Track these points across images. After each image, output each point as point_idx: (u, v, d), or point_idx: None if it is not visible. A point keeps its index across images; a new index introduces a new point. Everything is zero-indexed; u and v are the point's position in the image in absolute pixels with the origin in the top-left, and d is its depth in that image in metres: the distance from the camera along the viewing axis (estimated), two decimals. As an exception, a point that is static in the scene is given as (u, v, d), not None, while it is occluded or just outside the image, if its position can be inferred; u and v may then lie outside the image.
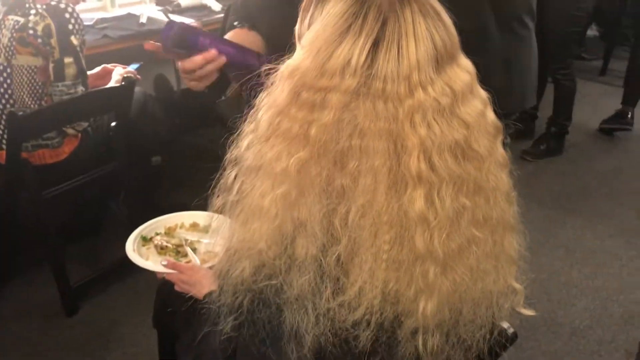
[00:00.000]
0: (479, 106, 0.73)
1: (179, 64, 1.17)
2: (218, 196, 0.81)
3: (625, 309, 2.30)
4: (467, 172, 0.71)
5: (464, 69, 0.72)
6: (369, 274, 0.71)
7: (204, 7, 3.18)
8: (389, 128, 0.69)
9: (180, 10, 3.14)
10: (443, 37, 0.71)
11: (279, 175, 0.72)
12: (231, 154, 0.79)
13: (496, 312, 0.80)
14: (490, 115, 0.74)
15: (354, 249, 0.72)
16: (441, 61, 0.70)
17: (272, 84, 0.76)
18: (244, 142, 0.77)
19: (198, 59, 1.13)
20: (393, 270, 0.71)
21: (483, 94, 0.74)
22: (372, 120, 0.69)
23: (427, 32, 0.70)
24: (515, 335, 1.02)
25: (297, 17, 1.25)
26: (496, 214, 0.75)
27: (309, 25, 0.76)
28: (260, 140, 0.74)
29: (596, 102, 4.16)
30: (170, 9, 3.15)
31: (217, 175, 0.81)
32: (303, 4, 0.80)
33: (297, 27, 0.81)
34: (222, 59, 1.15)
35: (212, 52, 1.13)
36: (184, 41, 1.13)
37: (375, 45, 0.69)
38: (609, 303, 2.33)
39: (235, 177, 0.77)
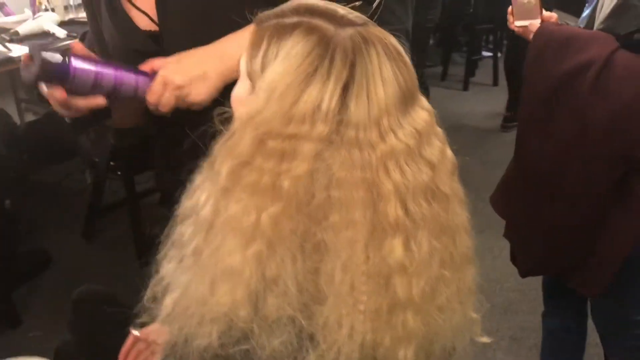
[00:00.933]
0: (439, 145, 0.72)
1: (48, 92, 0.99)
2: (166, 255, 0.73)
3: (504, 298, 2.46)
4: (437, 214, 0.70)
5: (424, 108, 0.71)
6: (348, 328, 0.67)
7: (46, 34, 2.93)
8: (365, 177, 0.66)
9: (20, 39, 2.86)
10: (406, 77, 0.69)
11: (249, 233, 0.66)
12: (184, 207, 0.72)
13: (458, 344, 0.79)
14: (449, 152, 0.74)
15: (335, 304, 0.67)
16: (406, 103, 0.69)
17: (228, 131, 0.70)
18: (201, 195, 0.69)
19: (80, 101, 0.98)
20: (371, 320, 0.68)
21: (440, 131, 0.74)
22: (348, 169, 0.66)
23: (393, 74, 0.67)
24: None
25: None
26: (460, 251, 0.75)
27: (263, 63, 0.70)
28: (222, 194, 0.68)
29: (442, 105, 4.44)
30: (7, 37, 2.86)
31: (165, 231, 0.73)
32: (251, 39, 0.74)
33: (244, 64, 0.74)
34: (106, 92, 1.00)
35: (99, 100, 0.99)
36: (53, 77, 0.96)
37: (345, 90, 0.66)
38: (488, 294, 2.44)
39: (191, 234, 0.70)
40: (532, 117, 1.43)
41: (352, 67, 0.66)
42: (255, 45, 0.72)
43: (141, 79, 1.03)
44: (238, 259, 0.66)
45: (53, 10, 3.23)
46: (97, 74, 0.97)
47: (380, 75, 0.66)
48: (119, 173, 2.61)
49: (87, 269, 2.66)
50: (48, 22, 2.97)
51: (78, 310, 1.26)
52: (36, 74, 0.94)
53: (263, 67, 0.70)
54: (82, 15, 3.39)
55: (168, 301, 0.72)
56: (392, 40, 0.70)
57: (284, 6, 0.73)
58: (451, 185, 0.73)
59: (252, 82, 0.73)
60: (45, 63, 0.93)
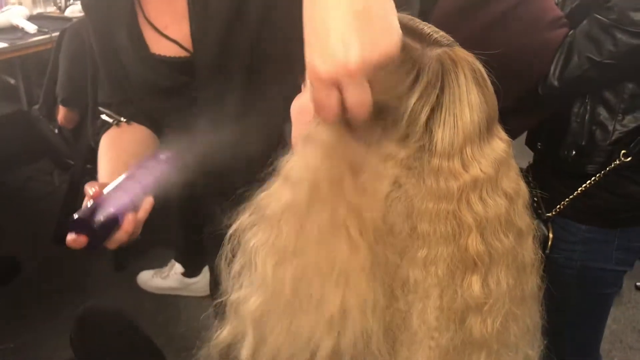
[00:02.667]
0: (515, 177, 0.68)
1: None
2: (240, 287, 0.67)
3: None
4: (513, 249, 0.67)
5: (501, 138, 0.67)
6: None
7: (15, 29, 2.79)
8: (448, 208, 0.62)
9: (-13, 33, 2.73)
10: (490, 104, 0.65)
11: (349, 272, 0.61)
12: (260, 239, 0.66)
13: None
14: (523, 185, 0.70)
15: (413, 341, 0.64)
16: (488, 131, 0.64)
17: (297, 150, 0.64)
18: (282, 228, 0.64)
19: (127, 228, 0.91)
20: (441, 357, 0.65)
21: (514, 162, 0.69)
22: (433, 200, 0.61)
23: (479, 101, 0.63)
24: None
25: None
26: (530, 288, 0.72)
27: None
28: (304, 228, 0.62)
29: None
30: (-27, 31, 2.72)
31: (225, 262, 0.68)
32: None
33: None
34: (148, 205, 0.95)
35: (128, 224, 0.91)
36: (109, 230, 0.89)
37: (431, 114, 0.61)
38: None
39: (270, 270, 0.64)
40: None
41: (441, 90, 0.61)
42: None
43: (159, 166, 0.98)
44: (338, 299, 0.61)
45: (20, 3, 3.09)
46: (131, 197, 0.92)
47: (467, 100, 0.62)
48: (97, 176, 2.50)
49: (59, 276, 2.55)
50: (17, 16, 2.83)
51: (82, 328, 1.17)
52: (93, 243, 0.87)
53: None
54: (51, 9, 3.26)
55: (250, 340, 0.66)
56: (478, 64, 0.65)
57: None
58: (525, 220, 0.69)
59: None
60: (94, 234, 0.86)
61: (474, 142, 0.62)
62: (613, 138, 1.17)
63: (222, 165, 1.15)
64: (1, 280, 2.48)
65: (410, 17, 0.68)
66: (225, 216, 0.70)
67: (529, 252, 0.70)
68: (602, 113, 1.18)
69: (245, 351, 0.66)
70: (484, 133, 0.63)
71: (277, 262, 0.64)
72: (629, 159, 1.17)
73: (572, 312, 1.38)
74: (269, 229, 0.65)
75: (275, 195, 0.65)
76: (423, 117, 0.61)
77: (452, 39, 0.67)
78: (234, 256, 0.69)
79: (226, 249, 0.69)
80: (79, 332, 1.18)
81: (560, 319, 1.40)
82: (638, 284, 2.62)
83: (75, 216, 0.85)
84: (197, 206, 1.66)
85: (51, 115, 2.46)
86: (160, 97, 1.12)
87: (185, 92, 1.11)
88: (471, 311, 0.64)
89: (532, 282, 0.72)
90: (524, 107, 1.23)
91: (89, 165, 2.51)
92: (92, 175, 2.63)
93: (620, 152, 1.18)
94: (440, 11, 1.28)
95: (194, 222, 2.17)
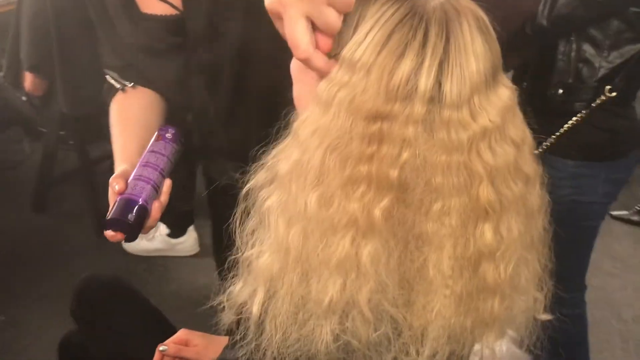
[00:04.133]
0: (521, 123, 0.69)
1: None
2: (248, 247, 0.68)
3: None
4: (523, 196, 0.68)
5: (506, 85, 0.67)
6: (435, 312, 0.66)
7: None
8: (459, 159, 0.62)
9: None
10: (494, 52, 0.65)
11: (363, 230, 0.62)
12: (268, 199, 0.66)
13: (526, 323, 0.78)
14: (528, 131, 0.71)
15: (429, 290, 0.66)
16: (494, 79, 0.64)
17: (305, 110, 0.64)
18: (291, 187, 0.64)
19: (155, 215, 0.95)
20: (457, 304, 0.67)
21: (519, 109, 0.70)
22: (447, 153, 0.62)
23: (484, 49, 0.63)
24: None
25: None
26: (538, 232, 0.74)
27: (342, 29, 0.63)
28: (320, 186, 0.62)
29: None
30: None
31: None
32: None
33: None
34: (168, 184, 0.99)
35: (156, 212, 0.94)
36: (140, 223, 0.92)
37: (440, 66, 0.61)
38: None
39: (284, 227, 0.65)
40: None
41: (447, 41, 0.61)
42: None
43: (168, 146, 1.02)
44: (351, 255, 0.62)
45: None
46: (153, 185, 0.96)
47: (472, 50, 0.62)
48: (71, 142, 2.45)
49: (41, 244, 2.52)
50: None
51: (82, 300, 1.17)
52: (130, 237, 0.91)
53: (342, 33, 0.64)
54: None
55: (260, 296, 0.67)
56: (481, 12, 0.65)
57: None
58: (532, 165, 0.70)
59: None
60: (130, 229, 0.90)
61: (481, 91, 0.63)
62: (599, 75, 1.19)
63: (212, 126, 1.14)
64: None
65: None
66: (237, 174, 0.71)
67: (537, 197, 0.72)
68: (588, 50, 1.19)
69: (255, 307, 0.68)
70: (490, 81, 0.64)
71: (289, 222, 0.65)
72: (614, 94, 1.19)
73: (559, 245, 1.42)
74: (281, 188, 0.66)
75: (286, 154, 0.66)
76: (433, 70, 0.61)
77: None
78: (247, 214, 0.70)
79: (241, 206, 0.70)
80: (80, 305, 1.18)
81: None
82: (613, 213, 2.71)
83: (109, 216, 0.90)
84: (182, 165, 1.66)
85: (17, 82, 2.38)
86: (154, 60, 1.10)
87: (179, 56, 1.09)
88: (484, 258, 0.66)
89: (540, 226, 0.74)
90: (509, 47, 1.24)
91: (62, 132, 2.45)
92: (66, 142, 2.58)
93: (605, 87, 1.19)
94: None
95: (179, 182, 2.16)
